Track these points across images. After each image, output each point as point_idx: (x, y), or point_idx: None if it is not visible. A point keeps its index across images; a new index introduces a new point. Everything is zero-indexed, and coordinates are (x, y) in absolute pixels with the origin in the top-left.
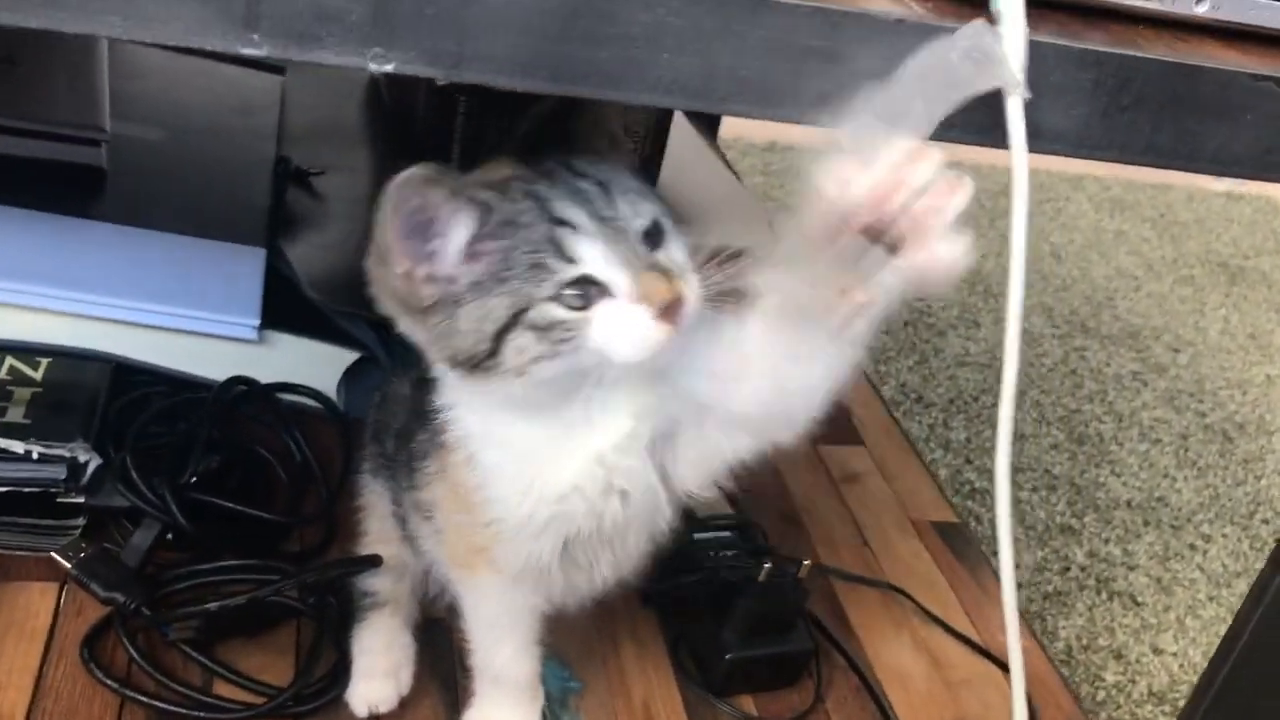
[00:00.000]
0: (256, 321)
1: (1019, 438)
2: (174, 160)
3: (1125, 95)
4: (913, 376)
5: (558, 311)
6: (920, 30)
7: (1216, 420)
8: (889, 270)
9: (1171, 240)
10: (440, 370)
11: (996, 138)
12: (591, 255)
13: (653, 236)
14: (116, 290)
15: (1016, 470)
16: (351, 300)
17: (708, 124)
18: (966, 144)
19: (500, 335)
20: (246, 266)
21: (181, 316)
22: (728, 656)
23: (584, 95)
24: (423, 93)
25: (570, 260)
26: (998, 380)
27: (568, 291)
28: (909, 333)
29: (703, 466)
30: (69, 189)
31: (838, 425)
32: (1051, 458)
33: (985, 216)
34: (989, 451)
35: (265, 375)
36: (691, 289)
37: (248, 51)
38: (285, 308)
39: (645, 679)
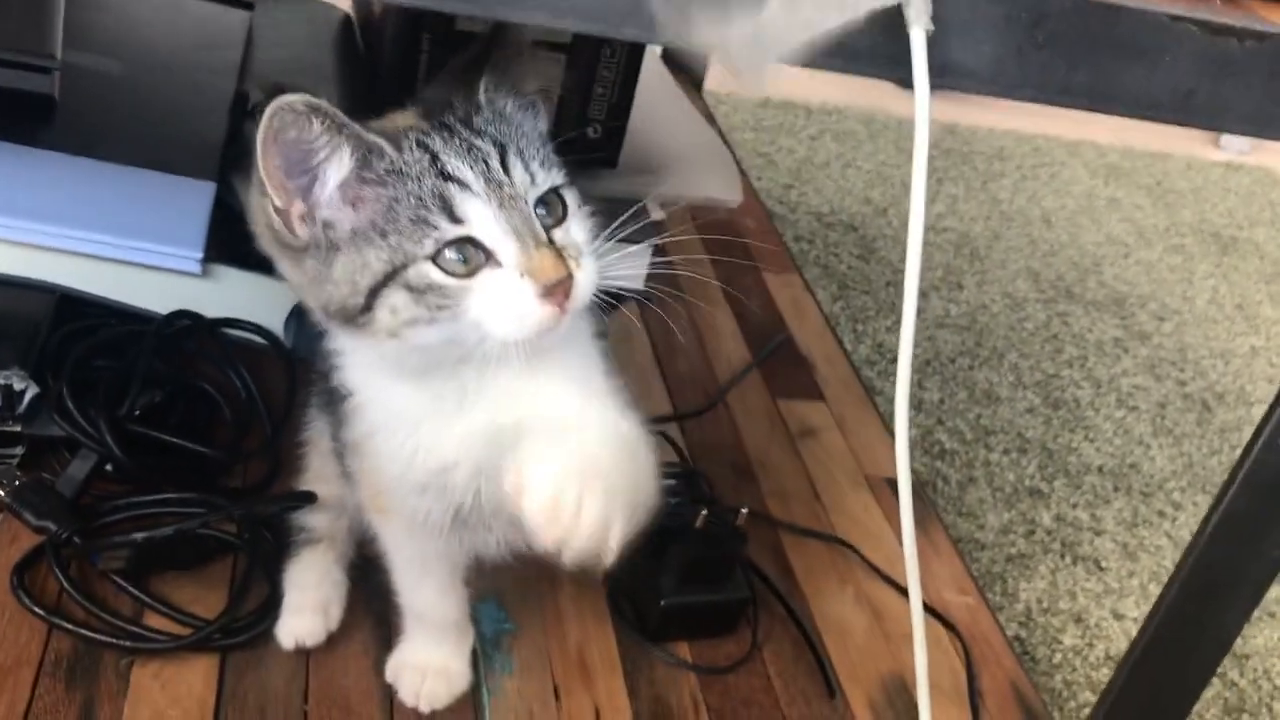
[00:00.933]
0: (200, 254)
1: (993, 400)
2: (128, 92)
3: (1040, 32)
4: (890, 337)
5: (436, 274)
6: None
7: (1196, 389)
8: None
9: (1166, 208)
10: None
11: (902, 72)
12: (480, 217)
13: (551, 208)
14: (61, 219)
15: (988, 433)
16: None
17: (690, 76)
18: (870, 76)
19: (375, 291)
20: (194, 200)
21: (125, 247)
22: (663, 602)
23: (486, 15)
24: (390, 33)
25: (456, 220)
26: (976, 343)
27: (449, 254)
28: (890, 293)
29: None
30: (16, 117)
31: (799, 380)
32: (1025, 421)
33: (977, 179)
34: (961, 413)
35: (211, 310)
36: (585, 272)
37: None
38: (234, 243)
39: (581, 623)
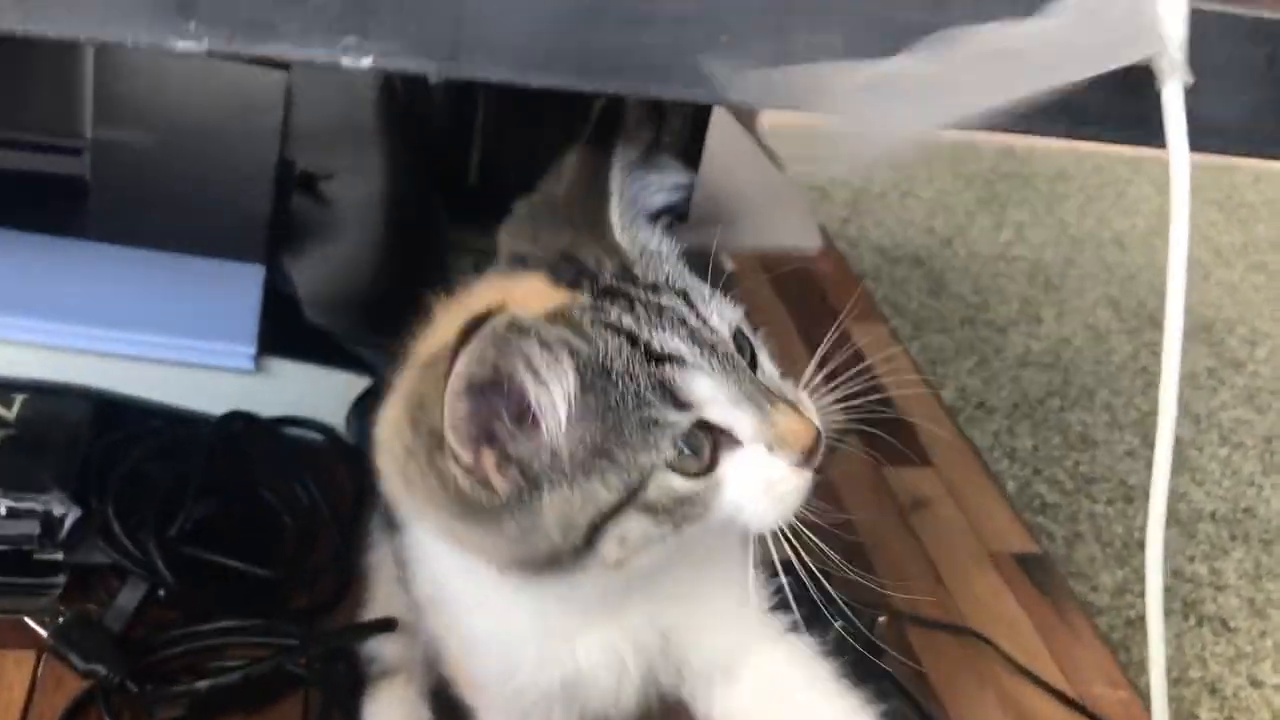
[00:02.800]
0: (253, 349)
1: (1090, 444)
2: (163, 168)
3: None
4: (972, 380)
5: (680, 483)
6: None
7: None
8: None
9: (1240, 224)
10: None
11: (1141, 134)
12: (708, 394)
13: (742, 349)
14: (98, 317)
15: (1089, 481)
16: (360, 320)
17: (745, 112)
18: (1105, 141)
19: (599, 525)
20: (243, 286)
21: (170, 346)
22: None
23: (618, 92)
24: (439, 87)
25: (684, 406)
26: (1064, 381)
27: (682, 450)
28: (967, 331)
29: None
30: (46, 204)
31: (901, 444)
32: (1126, 466)
33: (1042, 202)
34: (1058, 461)
35: (266, 408)
36: (818, 417)
37: (184, 45)
38: (287, 331)
39: None
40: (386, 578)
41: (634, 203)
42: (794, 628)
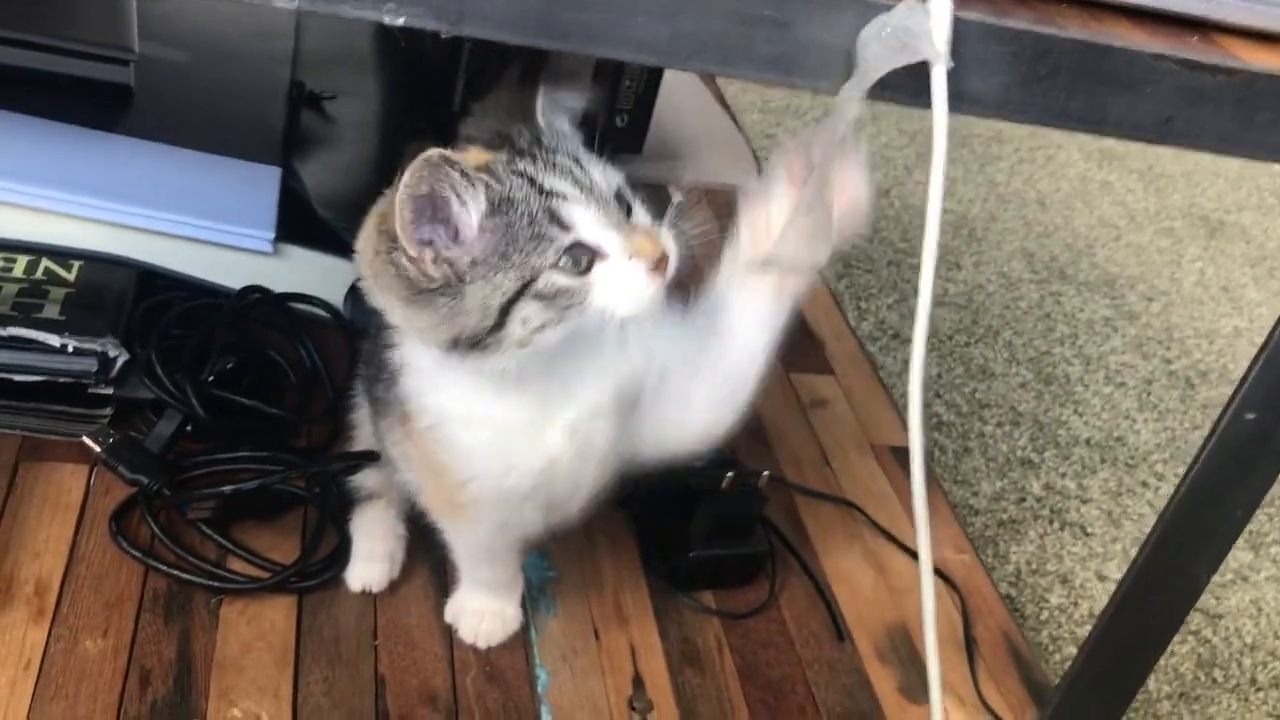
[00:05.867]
0: (272, 234)
1: (988, 376)
2: (196, 81)
3: (1042, 67)
4: (891, 314)
5: (561, 279)
6: (860, 6)
7: (1181, 367)
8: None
9: (1157, 193)
10: (416, 355)
11: (924, 100)
12: (584, 221)
13: (621, 200)
14: (143, 200)
15: (983, 406)
16: (360, 216)
17: None
18: (902, 104)
19: (506, 308)
20: (263, 183)
21: (202, 227)
22: (691, 554)
23: (568, 50)
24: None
25: (565, 227)
26: (973, 320)
27: (565, 260)
28: (891, 272)
29: (660, 434)
30: (99, 105)
31: (809, 354)
32: (1018, 395)
33: (975, 162)
34: (958, 387)
35: (279, 285)
36: (672, 245)
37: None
38: (298, 223)
39: (617, 572)
40: (366, 432)
41: (556, 102)
42: None
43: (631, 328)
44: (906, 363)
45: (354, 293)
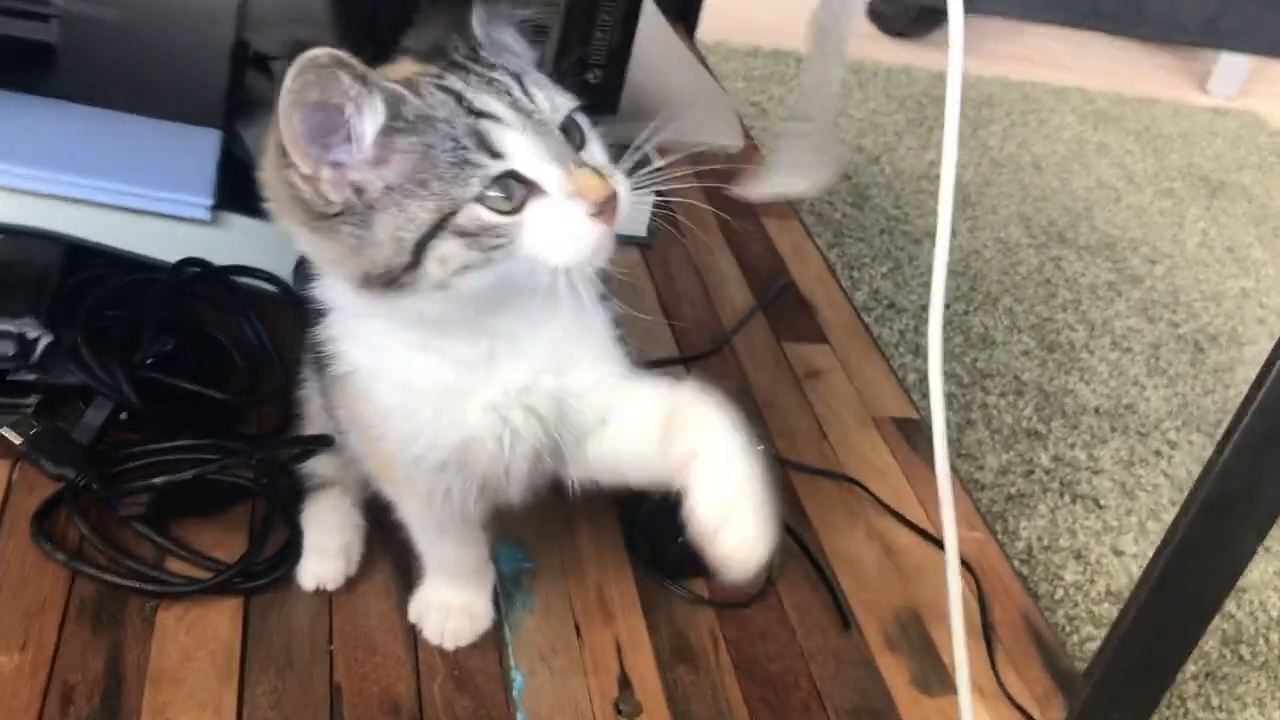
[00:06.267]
0: (210, 201)
1: (989, 344)
2: (128, 39)
3: None
4: (886, 283)
5: (486, 214)
6: None
7: (1189, 331)
8: None
9: (1154, 153)
10: (333, 293)
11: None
12: (518, 149)
13: (571, 133)
14: (69, 167)
15: (985, 376)
16: None
17: (685, 23)
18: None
19: (422, 244)
20: (201, 147)
21: (134, 195)
22: (680, 539)
23: None
24: None
25: (496, 155)
26: (971, 288)
27: (492, 192)
28: (884, 240)
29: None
30: (18, 65)
31: (803, 323)
32: (1021, 364)
33: (967, 126)
34: (959, 357)
35: (219, 257)
36: (624, 188)
37: None
38: (240, 190)
39: (599, 562)
40: (316, 409)
41: (496, 11)
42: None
43: (568, 288)
44: (903, 333)
45: (304, 263)
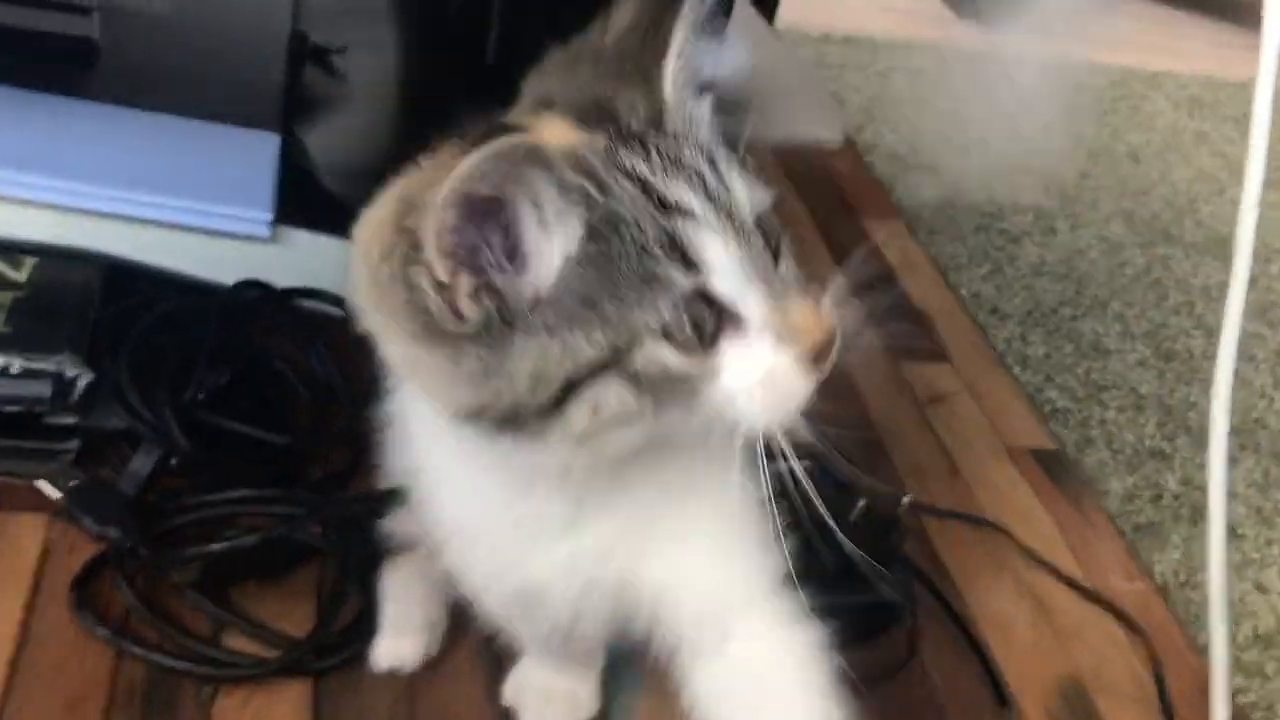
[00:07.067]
0: (269, 216)
1: (1102, 353)
2: (176, 33)
3: None
4: (986, 286)
5: (672, 356)
6: None
7: None
8: None
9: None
10: (417, 411)
11: None
12: (719, 260)
13: (767, 238)
14: (111, 180)
15: (1101, 389)
16: (377, 190)
17: (764, 8)
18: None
19: (574, 385)
20: (258, 154)
21: (184, 210)
22: (811, 607)
23: None
24: None
25: (690, 265)
26: (1077, 291)
27: (677, 323)
28: (979, 239)
29: None
30: (57, 64)
31: (919, 337)
32: (1138, 375)
33: (1060, 114)
34: (1070, 368)
35: (281, 278)
36: (837, 318)
37: None
38: (303, 201)
39: None
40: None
41: (689, 63)
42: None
43: (723, 453)
44: (1009, 341)
45: None
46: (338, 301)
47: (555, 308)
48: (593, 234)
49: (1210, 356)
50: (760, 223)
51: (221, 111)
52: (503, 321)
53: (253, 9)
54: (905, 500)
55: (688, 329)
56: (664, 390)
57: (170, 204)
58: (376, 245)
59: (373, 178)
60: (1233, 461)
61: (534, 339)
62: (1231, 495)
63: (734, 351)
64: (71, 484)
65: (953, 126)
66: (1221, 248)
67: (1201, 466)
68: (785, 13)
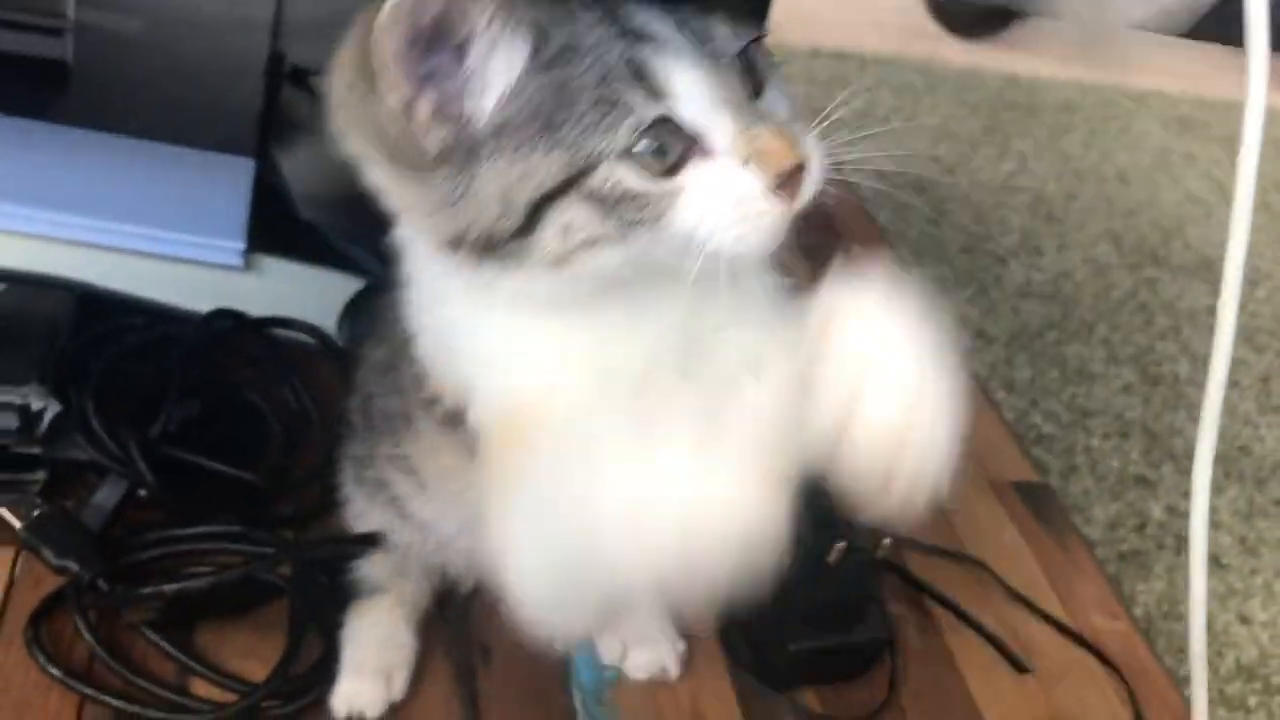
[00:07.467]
0: (241, 244)
1: (1087, 378)
2: (150, 56)
3: None
4: (971, 309)
5: (632, 177)
6: None
7: None
8: None
9: None
10: (421, 252)
11: None
12: (685, 86)
13: (748, 73)
14: (80, 206)
15: (1086, 414)
16: (354, 218)
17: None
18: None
19: (540, 206)
20: (232, 180)
21: (155, 238)
22: (791, 648)
23: None
24: None
25: (655, 92)
26: (1063, 314)
27: (640, 146)
28: (965, 260)
29: None
30: (26, 87)
31: None
32: (1123, 401)
33: (1045, 134)
34: (1055, 393)
35: (255, 307)
36: (816, 157)
37: None
38: (278, 228)
39: (692, 670)
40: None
41: None
42: None
43: (728, 283)
44: (994, 365)
45: (350, 313)
46: (312, 331)
47: (515, 131)
48: (550, 58)
49: (1195, 382)
50: (744, 56)
51: (195, 136)
52: (464, 146)
53: (230, 29)
54: (886, 541)
55: (651, 157)
56: (629, 211)
57: (141, 231)
58: (344, 79)
59: (350, 205)
60: (1217, 489)
61: (496, 162)
62: (1215, 525)
63: (699, 174)
64: (35, 514)
65: (942, 145)
66: (1208, 271)
67: (1185, 494)
68: (774, 27)
